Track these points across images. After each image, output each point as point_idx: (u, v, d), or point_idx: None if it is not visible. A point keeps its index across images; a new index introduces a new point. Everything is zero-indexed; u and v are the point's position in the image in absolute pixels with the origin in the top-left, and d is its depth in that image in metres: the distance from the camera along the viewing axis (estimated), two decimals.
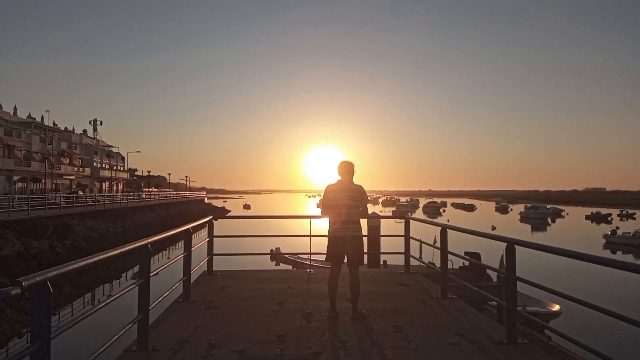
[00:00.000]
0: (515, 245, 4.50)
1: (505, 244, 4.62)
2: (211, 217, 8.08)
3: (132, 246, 3.97)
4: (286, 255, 22.59)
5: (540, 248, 4.22)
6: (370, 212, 6.71)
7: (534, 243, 4.31)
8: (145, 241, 4.24)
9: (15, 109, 62.07)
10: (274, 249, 21.51)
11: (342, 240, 5.52)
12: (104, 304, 3.44)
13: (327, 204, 5.64)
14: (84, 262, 2.96)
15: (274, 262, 24.40)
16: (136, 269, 24.50)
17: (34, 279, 2.39)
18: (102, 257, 3.25)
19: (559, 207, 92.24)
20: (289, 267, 22.21)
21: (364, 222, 5.94)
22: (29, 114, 64.90)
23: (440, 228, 6.64)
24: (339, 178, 5.71)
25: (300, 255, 21.14)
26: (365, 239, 6.44)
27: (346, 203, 5.51)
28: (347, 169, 5.67)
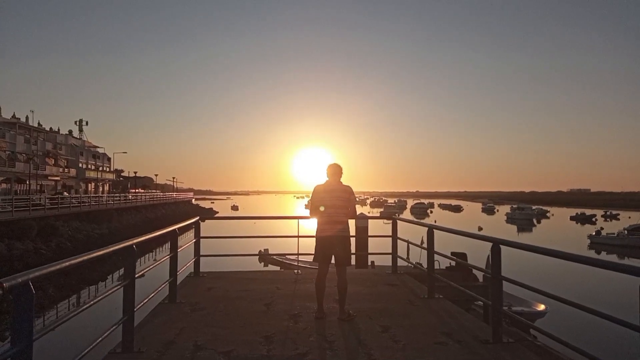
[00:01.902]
0: (501, 245, 4.54)
1: (491, 244, 4.65)
2: (198, 218, 8.03)
3: (116, 247, 3.93)
4: (274, 257, 22.54)
5: (525, 248, 4.26)
6: (358, 213, 6.74)
7: (519, 243, 4.35)
8: (130, 242, 4.20)
9: None
10: (262, 250, 21.46)
11: (329, 240, 5.52)
12: (88, 305, 3.40)
13: (315, 205, 5.65)
14: (68, 263, 2.93)
15: (262, 263, 24.31)
16: (122, 270, 24.32)
17: (15, 280, 2.35)
18: (86, 257, 3.21)
19: (544, 208, 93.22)
20: (277, 268, 22.16)
21: (351, 223, 5.95)
22: (14, 114, 63.89)
23: (427, 228, 6.66)
24: (327, 179, 5.73)
25: (288, 256, 21.10)
26: (353, 240, 6.44)
27: (334, 203, 5.53)
28: (335, 170, 5.72)
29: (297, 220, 9.12)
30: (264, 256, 21.63)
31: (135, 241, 4.29)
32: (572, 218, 75.83)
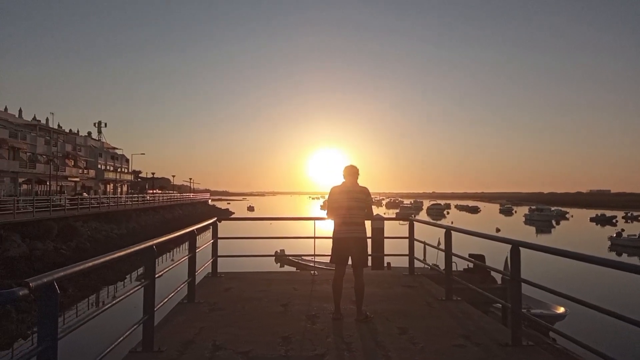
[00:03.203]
0: (520, 247, 4.49)
1: (509, 246, 4.61)
2: (216, 218, 8.09)
3: (137, 247, 3.98)
4: (290, 257, 22.61)
5: (545, 250, 4.20)
6: (374, 214, 6.72)
7: (538, 245, 4.31)
8: (151, 242, 4.25)
9: (20, 111, 62.27)
10: (278, 251, 21.53)
11: (346, 242, 5.53)
12: (109, 305, 3.46)
13: (332, 206, 5.66)
14: (91, 264, 2.98)
15: (279, 264, 24.40)
16: (140, 270, 24.63)
17: (41, 280, 2.40)
18: (107, 258, 3.27)
19: (563, 209, 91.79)
20: (293, 269, 22.22)
21: (367, 224, 5.94)
22: (34, 117, 65.10)
23: (444, 230, 6.62)
24: (344, 180, 5.74)
25: (304, 257, 21.15)
26: (369, 241, 6.44)
27: (351, 205, 5.53)
28: (352, 171, 5.73)
29: (313, 221, 9.14)
30: (280, 257, 21.70)
31: (155, 242, 4.35)
32: (592, 219, 74.55)
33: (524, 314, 4.60)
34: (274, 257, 21.39)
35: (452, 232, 6.54)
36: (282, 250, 22.01)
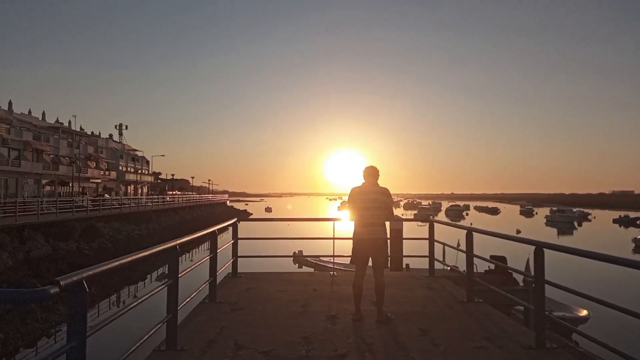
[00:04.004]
0: (544, 249, 4.43)
1: (531, 248, 4.55)
2: (236, 219, 8.15)
3: (161, 247, 4.04)
4: (308, 258, 22.65)
5: (569, 251, 4.14)
6: None
7: (563, 246, 4.24)
8: (174, 242, 4.31)
9: (43, 114, 63.59)
10: (297, 252, 21.58)
11: (367, 242, 5.52)
12: (135, 304, 3.51)
13: (353, 207, 5.66)
14: (118, 262, 3.04)
15: (297, 264, 24.46)
16: (159, 271, 24.94)
17: (71, 279, 2.46)
18: (134, 257, 3.33)
19: (585, 210, 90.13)
20: (311, 269, 22.26)
21: (387, 225, 5.92)
22: (57, 119, 66.44)
23: (465, 231, 6.57)
24: (364, 181, 5.74)
25: (322, 258, 21.17)
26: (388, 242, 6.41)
27: (371, 205, 5.53)
28: (372, 172, 5.73)
29: (332, 222, 9.15)
30: (299, 258, 21.75)
31: (178, 242, 4.40)
32: (615, 221, 73.06)
33: (547, 316, 4.54)
34: (292, 258, 21.46)
35: (473, 233, 6.49)
36: (300, 251, 22.06)
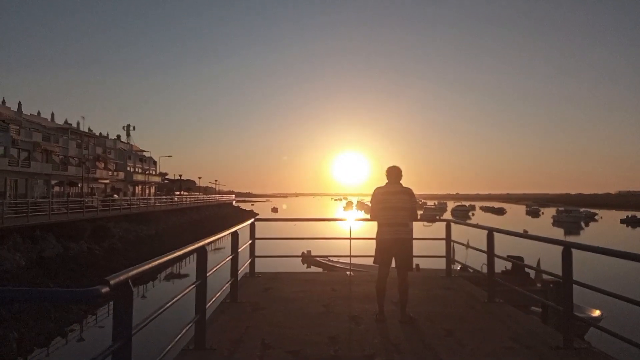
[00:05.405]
0: (572, 249, 4.42)
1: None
2: (254, 219, 8.17)
3: (192, 247, 4.07)
4: (317, 258, 22.68)
5: (597, 250, 4.15)
6: None
7: (592, 246, 4.24)
8: (202, 242, 4.33)
9: (52, 115, 63.90)
10: (305, 252, 21.62)
11: (391, 243, 5.52)
12: (170, 303, 3.52)
13: (376, 207, 5.67)
14: (157, 262, 3.07)
15: (305, 264, 24.49)
16: (167, 270, 25.02)
17: (118, 278, 2.47)
18: (170, 257, 3.37)
19: (592, 210, 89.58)
20: (320, 269, 22.28)
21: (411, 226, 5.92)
22: (66, 120, 66.75)
23: (487, 231, 6.55)
24: (387, 181, 5.74)
25: (331, 258, 21.22)
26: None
27: (395, 205, 5.53)
28: (395, 172, 5.73)
29: (345, 223, 9.18)
30: (307, 257, 21.79)
31: (206, 242, 4.43)
32: (622, 221, 72.59)
33: (576, 316, 4.53)
34: (300, 258, 21.52)
35: (493, 233, 6.48)
36: (309, 251, 22.10)
